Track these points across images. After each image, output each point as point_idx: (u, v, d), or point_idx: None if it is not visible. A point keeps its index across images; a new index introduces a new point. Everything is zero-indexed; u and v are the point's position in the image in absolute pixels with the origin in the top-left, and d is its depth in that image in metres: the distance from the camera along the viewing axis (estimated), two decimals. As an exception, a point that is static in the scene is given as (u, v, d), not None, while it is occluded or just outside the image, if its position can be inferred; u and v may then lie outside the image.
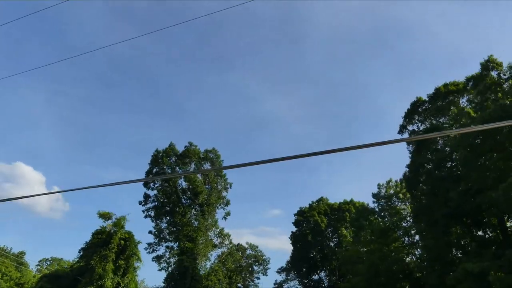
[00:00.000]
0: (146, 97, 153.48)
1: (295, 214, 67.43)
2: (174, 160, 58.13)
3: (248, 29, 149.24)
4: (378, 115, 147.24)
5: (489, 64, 32.49)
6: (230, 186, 59.53)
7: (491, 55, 32.66)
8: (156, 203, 56.40)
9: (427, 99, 39.38)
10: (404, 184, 43.25)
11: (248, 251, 70.96)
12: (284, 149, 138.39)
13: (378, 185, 49.14)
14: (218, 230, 58.48)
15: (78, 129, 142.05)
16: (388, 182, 48.90)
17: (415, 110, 40.26)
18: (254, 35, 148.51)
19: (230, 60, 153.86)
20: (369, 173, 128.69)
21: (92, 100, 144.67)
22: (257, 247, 71.82)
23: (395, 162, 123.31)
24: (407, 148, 39.20)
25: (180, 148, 59.03)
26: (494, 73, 32.65)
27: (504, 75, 31.75)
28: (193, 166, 58.62)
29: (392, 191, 48.12)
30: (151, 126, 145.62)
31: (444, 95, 37.73)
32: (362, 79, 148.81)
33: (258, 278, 70.11)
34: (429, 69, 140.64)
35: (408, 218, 43.45)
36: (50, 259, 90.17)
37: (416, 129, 40.39)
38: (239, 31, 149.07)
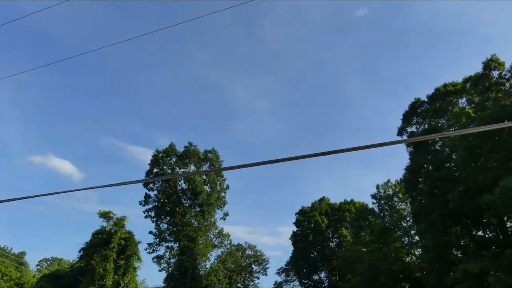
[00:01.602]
0: (104, 86, 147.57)
1: (296, 214, 67.51)
2: (174, 160, 58.26)
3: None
4: (347, 103, 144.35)
5: (491, 64, 32.42)
6: (228, 188, 59.70)
7: (494, 54, 32.50)
8: (156, 203, 56.48)
9: (425, 100, 39.45)
10: (403, 184, 43.43)
11: (248, 252, 71.00)
12: (257, 142, 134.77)
13: (377, 185, 49.31)
14: (217, 230, 58.59)
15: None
16: (386, 183, 49.05)
17: (413, 111, 40.28)
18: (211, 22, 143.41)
19: (189, 47, 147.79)
20: (370, 173, 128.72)
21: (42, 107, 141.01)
22: (255, 247, 71.89)
23: (395, 162, 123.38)
24: (406, 149, 39.29)
25: (179, 147, 59.28)
26: (495, 73, 32.64)
27: (506, 75, 31.78)
28: (192, 166, 58.73)
29: (391, 191, 48.23)
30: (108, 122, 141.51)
31: (443, 96, 37.76)
32: (328, 64, 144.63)
33: (258, 278, 70.19)
34: (401, 54, 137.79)
35: (408, 218, 43.55)
36: (50, 259, 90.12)
37: (415, 130, 40.44)
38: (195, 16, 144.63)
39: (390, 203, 47.63)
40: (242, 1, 12.52)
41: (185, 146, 59.10)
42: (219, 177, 59.18)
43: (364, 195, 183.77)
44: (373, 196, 49.17)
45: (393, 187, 48.21)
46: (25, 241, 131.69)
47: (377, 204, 48.93)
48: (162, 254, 54.90)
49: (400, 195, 46.41)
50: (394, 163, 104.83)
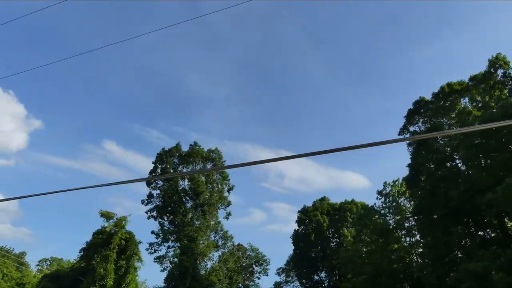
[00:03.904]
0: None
1: (298, 212, 67.43)
2: (177, 159, 58.39)
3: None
4: (304, 82, 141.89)
5: (496, 62, 32.33)
6: (232, 188, 59.67)
7: (499, 53, 32.44)
8: (158, 203, 56.53)
9: (429, 99, 39.33)
10: (405, 183, 43.30)
11: (248, 252, 70.93)
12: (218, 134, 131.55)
13: (385, 183, 48.97)
14: (220, 231, 58.49)
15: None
16: (395, 181, 48.72)
17: (417, 110, 40.18)
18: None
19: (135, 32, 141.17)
20: (370, 174, 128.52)
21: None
22: (258, 249, 71.84)
23: (398, 162, 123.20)
24: (408, 149, 39.23)
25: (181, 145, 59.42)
26: (500, 72, 32.54)
27: (511, 73, 31.68)
28: (197, 166, 58.84)
29: (396, 190, 47.97)
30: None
31: (447, 95, 37.64)
32: (280, 44, 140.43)
33: (259, 278, 70.13)
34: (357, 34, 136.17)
35: (410, 218, 43.39)
36: (50, 259, 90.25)
37: (418, 130, 40.33)
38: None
39: (395, 198, 47.31)
40: (241, 1, 12.45)
41: (190, 145, 59.68)
42: (221, 177, 59.26)
43: (365, 196, 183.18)
44: (379, 193, 48.85)
45: (399, 186, 47.86)
46: (24, 241, 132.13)
47: (381, 201, 48.59)
48: (163, 254, 54.90)
49: (407, 194, 46.14)
50: (398, 163, 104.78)
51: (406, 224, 43.70)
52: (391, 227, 42.84)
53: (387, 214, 46.96)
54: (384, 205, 48.22)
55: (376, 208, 48.92)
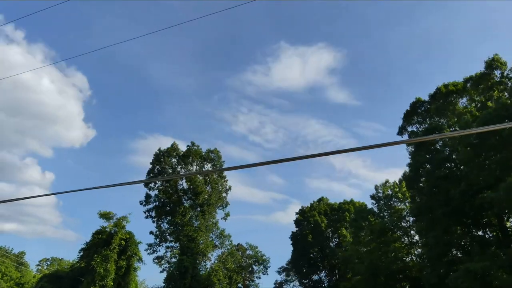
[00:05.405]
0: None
1: (296, 213, 67.59)
2: (176, 160, 58.23)
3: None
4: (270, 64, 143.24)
5: (493, 63, 32.48)
6: (230, 189, 59.63)
7: (496, 54, 32.63)
8: (157, 203, 56.44)
9: (426, 99, 39.51)
10: (403, 184, 43.54)
11: (248, 252, 71.02)
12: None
13: (376, 186, 49.39)
14: (218, 230, 58.48)
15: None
16: (384, 183, 49.08)
17: (414, 111, 40.34)
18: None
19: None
20: (370, 174, 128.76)
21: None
22: (257, 248, 71.91)
23: (395, 162, 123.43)
24: (407, 148, 39.35)
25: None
26: (497, 72, 32.69)
27: (509, 74, 31.79)
28: (195, 166, 58.72)
29: (390, 191, 48.22)
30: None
31: (444, 96, 37.82)
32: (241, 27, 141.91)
33: (259, 278, 70.22)
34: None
35: (408, 218, 43.54)
36: (50, 259, 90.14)
37: (416, 130, 40.48)
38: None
39: (390, 203, 47.56)
40: (242, 2, 12.52)
41: (187, 146, 59.38)
42: (220, 178, 59.14)
43: (365, 196, 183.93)
44: (372, 197, 49.25)
45: (392, 187, 48.20)
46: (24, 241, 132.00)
47: (376, 205, 48.96)
48: (162, 255, 54.84)
49: (400, 195, 46.41)
50: (396, 162, 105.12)
51: (404, 224, 43.90)
52: (391, 226, 42.96)
53: (384, 216, 47.16)
54: (379, 207, 48.53)
55: (371, 209, 49.20)
